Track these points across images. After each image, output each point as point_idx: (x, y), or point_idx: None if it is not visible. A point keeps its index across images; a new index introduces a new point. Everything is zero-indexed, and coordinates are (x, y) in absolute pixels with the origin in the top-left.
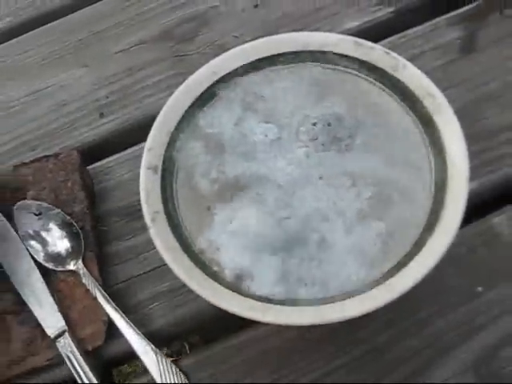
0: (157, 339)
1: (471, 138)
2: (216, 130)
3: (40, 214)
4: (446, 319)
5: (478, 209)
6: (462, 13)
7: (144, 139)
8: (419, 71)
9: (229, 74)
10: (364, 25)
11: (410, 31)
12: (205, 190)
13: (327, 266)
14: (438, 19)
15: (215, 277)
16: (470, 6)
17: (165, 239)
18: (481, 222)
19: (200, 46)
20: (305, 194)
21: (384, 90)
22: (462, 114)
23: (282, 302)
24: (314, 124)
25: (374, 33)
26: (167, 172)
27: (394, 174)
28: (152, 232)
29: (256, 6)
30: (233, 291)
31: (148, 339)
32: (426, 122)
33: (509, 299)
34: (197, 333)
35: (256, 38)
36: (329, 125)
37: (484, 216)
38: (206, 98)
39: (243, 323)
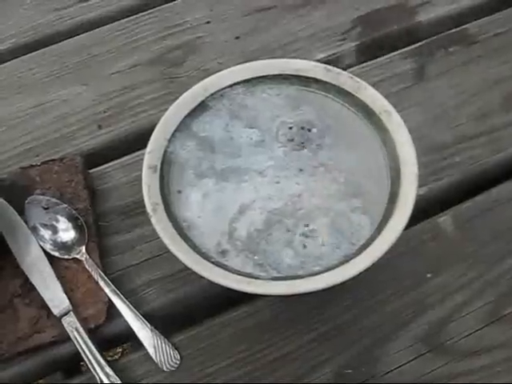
0: (151, 319)
1: (420, 151)
2: (207, 133)
3: (48, 207)
4: (401, 300)
5: (426, 211)
6: (415, 48)
7: (138, 149)
8: (377, 92)
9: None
10: (330, 57)
11: (370, 62)
12: (193, 180)
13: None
14: (394, 53)
15: (205, 256)
16: (422, 43)
17: (164, 226)
18: (429, 221)
19: (188, 70)
20: (288, 182)
21: (348, 108)
22: (412, 132)
23: (264, 278)
24: (291, 128)
25: (339, 64)
26: (165, 171)
27: (360, 164)
28: (153, 220)
29: (237, 38)
30: (219, 267)
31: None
32: (382, 131)
33: (452, 284)
34: (185, 314)
35: (237, 65)
36: (302, 128)
37: (432, 216)
38: (198, 109)
39: (225, 305)
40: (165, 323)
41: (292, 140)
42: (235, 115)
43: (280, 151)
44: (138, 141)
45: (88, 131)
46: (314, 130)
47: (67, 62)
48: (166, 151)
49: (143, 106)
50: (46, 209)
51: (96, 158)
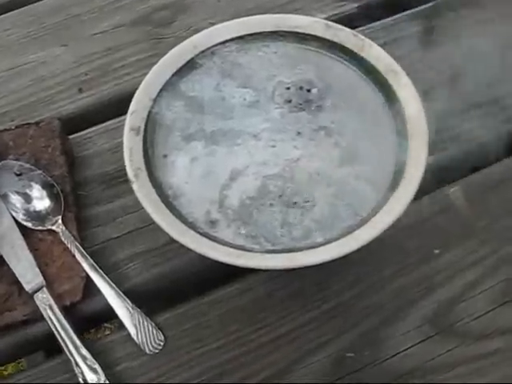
0: (133, 297)
1: (429, 118)
2: (196, 93)
3: (21, 174)
4: (407, 277)
5: (435, 181)
6: (422, 10)
7: (122, 113)
8: (383, 51)
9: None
10: (330, 18)
11: (374, 24)
12: (180, 143)
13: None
14: (399, 15)
15: (192, 226)
16: (429, 4)
17: (146, 193)
18: (438, 192)
19: (177, 30)
20: (285, 146)
21: (350, 67)
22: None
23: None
24: (288, 88)
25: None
26: (149, 133)
27: (363, 128)
28: (135, 187)
29: None
30: (208, 239)
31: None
32: (388, 93)
33: (462, 260)
34: (171, 291)
35: None
36: (300, 88)
37: (441, 187)
38: (186, 67)
39: (215, 281)
40: (148, 301)
41: (290, 101)
42: (227, 74)
43: (276, 113)
44: (122, 105)
45: (68, 95)
46: (314, 91)
47: (46, 22)
48: (150, 112)
49: (127, 69)
50: (18, 175)
51: (76, 122)
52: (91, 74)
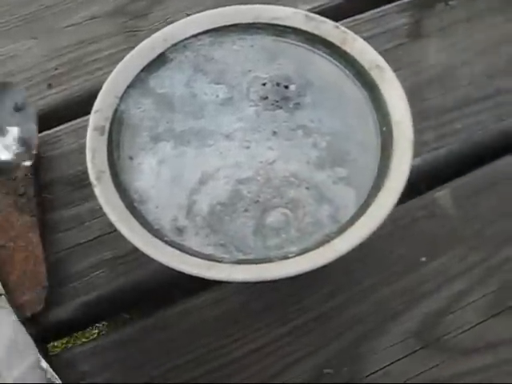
0: (99, 307)
1: (416, 116)
2: (166, 90)
3: None
4: (391, 287)
5: (421, 184)
6: (411, 1)
7: None
8: (368, 45)
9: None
10: (314, 9)
11: (360, 16)
12: (147, 144)
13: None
14: (387, 6)
15: (158, 234)
16: None
17: (109, 198)
18: (424, 196)
19: (153, 22)
20: (259, 147)
21: (332, 62)
22: (407, 95)
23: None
24: (264, 84)
25: (325, 17)
26: (115, 133)
27: (345, 128)
28: (96, 190)
29: None
30: (176, 249)
31: (90, 308)
32: (373, 90)
33: (450, 270)
34: (139, 301)
35: None
36: (278, 85)
37: (427, 191)
38: (156, 62)
39: (184, 293)
40: (115, 312)
41: (266, 98)
42: (200, 69)
43: (251, 111)
44: (92, 101)
45: (37, 90)
46: (292, 87)
47: (17, 13)
48: (116, 110)
49: (100, 63)
50: None
51: (45, 120)
52: (61, 69)
